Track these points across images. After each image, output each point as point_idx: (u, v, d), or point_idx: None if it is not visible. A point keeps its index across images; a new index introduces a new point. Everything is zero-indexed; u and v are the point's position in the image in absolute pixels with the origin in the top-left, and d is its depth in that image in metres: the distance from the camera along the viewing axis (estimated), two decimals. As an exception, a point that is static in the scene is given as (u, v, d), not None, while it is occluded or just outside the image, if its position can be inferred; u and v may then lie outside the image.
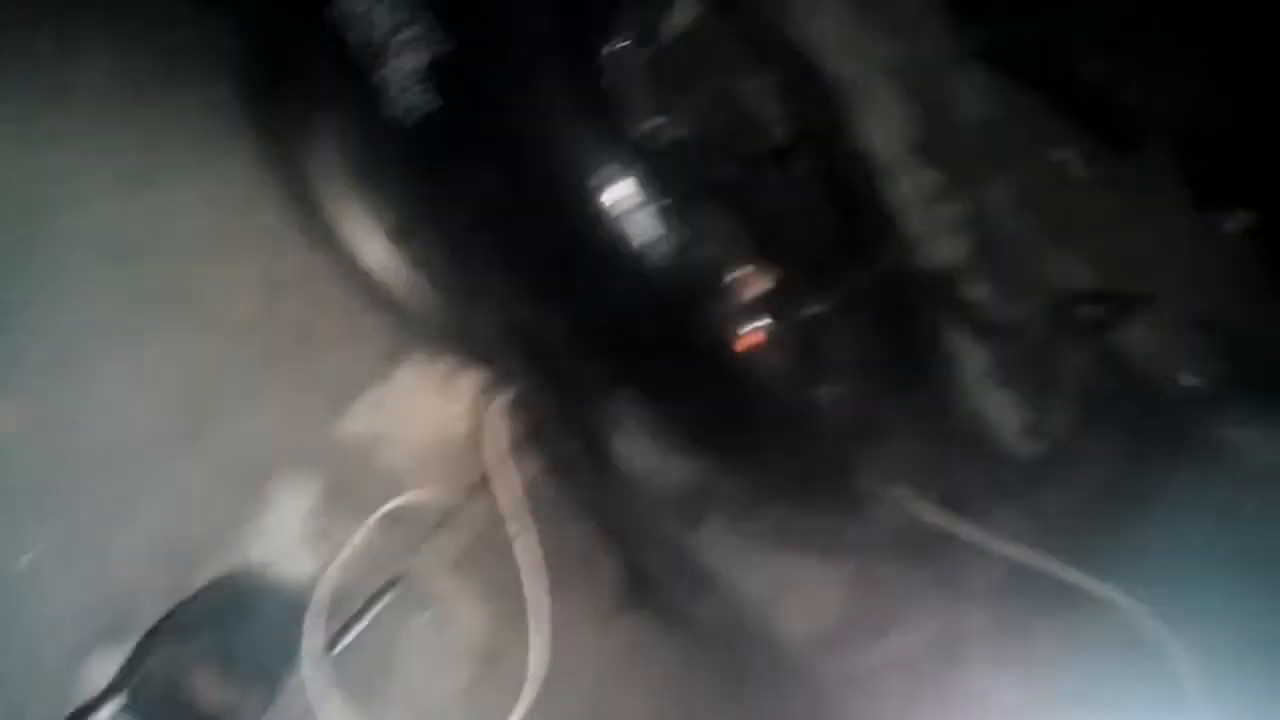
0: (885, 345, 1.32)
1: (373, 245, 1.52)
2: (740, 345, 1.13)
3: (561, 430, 1.29)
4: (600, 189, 1.07)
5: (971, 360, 1.36)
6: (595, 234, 1.09)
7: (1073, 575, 1.32)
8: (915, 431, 1.37)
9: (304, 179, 1.46)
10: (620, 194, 1.07)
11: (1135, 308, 1.51)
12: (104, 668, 1.34)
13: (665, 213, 1.09)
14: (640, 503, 1.26)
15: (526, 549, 1.49)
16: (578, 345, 1.19)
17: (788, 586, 1.31)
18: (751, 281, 1.13)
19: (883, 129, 1.26)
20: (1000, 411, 1.38)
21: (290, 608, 1.36)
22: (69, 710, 1.32)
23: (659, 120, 1.09)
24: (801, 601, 1.31)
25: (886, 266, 1.23)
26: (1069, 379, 1.44)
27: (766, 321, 1.13)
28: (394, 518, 1.53)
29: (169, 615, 1.35)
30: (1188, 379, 1.49)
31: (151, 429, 1.48)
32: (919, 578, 1.37)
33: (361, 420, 1.58)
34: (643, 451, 1.23)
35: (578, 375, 1.21)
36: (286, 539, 1.48)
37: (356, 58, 1.05)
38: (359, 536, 1.50)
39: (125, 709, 1.19)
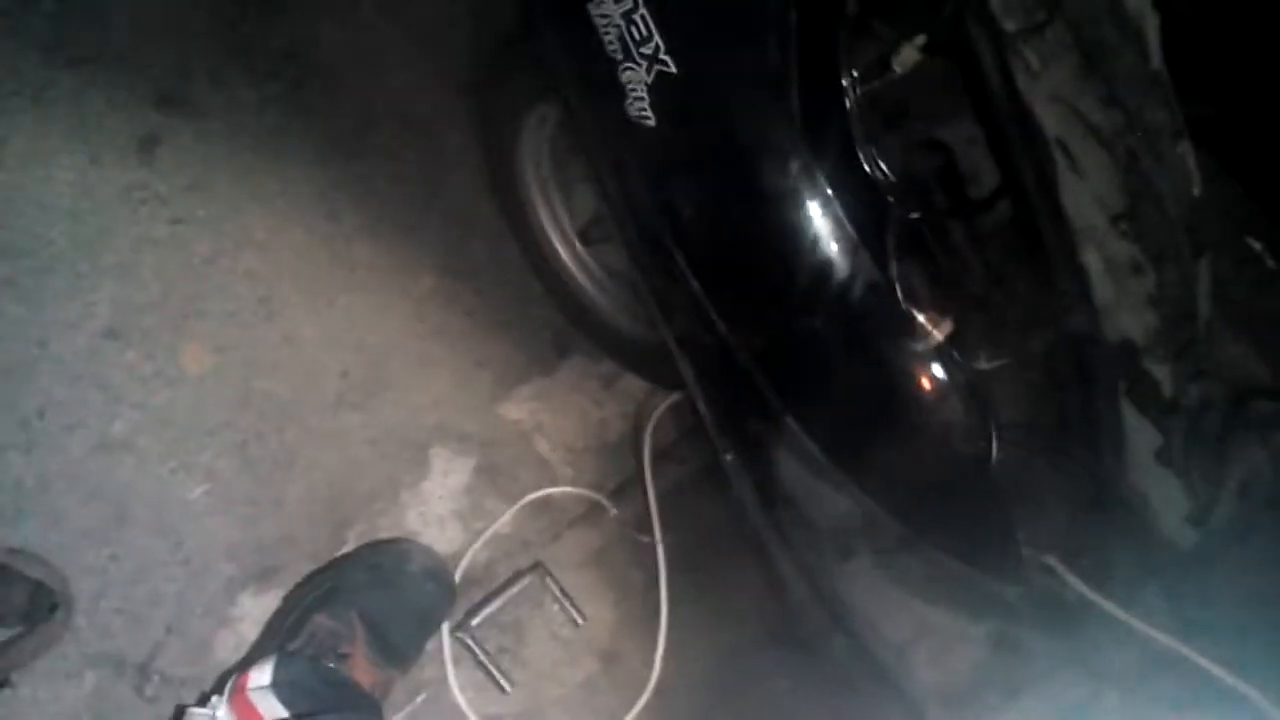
0: (1056, 409, 1.31)
1: (561, 243, 1.58)
2: (923, 388, 1.14)
3: (721, 445, 1.31)
4: (811, 217, 1.09)
5: (1142, 437, 1.33)
6: (795, 259, 1.11)
7: (1215, 670, 1.29)
8: (1073, 500, 1.36)
9: (511, 169, 1.52)
10: (827, 223, 1.09)
11: (1306, 412, 1.47)
12: (254, 605, 1.42)
13: (865, 248, 1.10)
14: (794, 527, 1.27)
15: (664, 557, 1.52)
16: (755, 365, 1.21)
17: (926, 634, 1.30)
18: (937, 326, 1.14)
19: (1086, 196, 1.25)
20: (1164, 494, 1.35)
21: (434, 577, 1.41)
22: (221, 637, 1.40)
23: (874, 156, 1.10)
24: (937, 651, 1.30)
25: (1069, 332, 1.22)
26: (1239, 474, 1.41)
27: (949, 368, 1.14)
28: (540, 505, 1.58)
29: (325, 572, 1.42)
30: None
31: (331, 385, 1.55)
32: (1056, 648, 1.35)
33: (523, 407, 1.63)
34: (805, 478, 1.24)
35: (749, 394, 1.23)
36: (438, 510, 1.54)
37: (608, 56, 1.08)
38: (506, 517, 1.54)
39: (292, 656, 1.24)
